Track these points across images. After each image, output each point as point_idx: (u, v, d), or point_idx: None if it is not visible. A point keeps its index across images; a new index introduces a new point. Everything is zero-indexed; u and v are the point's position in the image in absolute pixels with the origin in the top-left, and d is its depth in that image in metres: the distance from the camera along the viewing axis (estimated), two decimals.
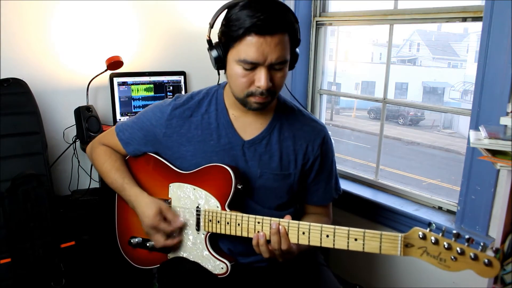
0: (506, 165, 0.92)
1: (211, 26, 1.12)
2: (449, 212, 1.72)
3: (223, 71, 1.13)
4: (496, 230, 1.37)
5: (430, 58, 12.76)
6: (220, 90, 1.21)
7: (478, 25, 1.48)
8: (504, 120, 1.01)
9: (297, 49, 1.13)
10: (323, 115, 2.32)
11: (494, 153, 0.94)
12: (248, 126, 1.18)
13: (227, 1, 1.06)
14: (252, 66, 1.02)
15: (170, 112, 1.20)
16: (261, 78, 1.03)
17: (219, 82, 1.21)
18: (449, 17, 1.66)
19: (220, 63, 1.10)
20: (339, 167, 1.92)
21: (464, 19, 1.62)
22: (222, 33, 1.07)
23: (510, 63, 1.35)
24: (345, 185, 2.02)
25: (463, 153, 1.60)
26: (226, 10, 1.06)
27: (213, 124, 1.18)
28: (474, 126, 1.45)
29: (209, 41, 1.11)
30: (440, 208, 1.76)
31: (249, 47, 1.00)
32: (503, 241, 1.00)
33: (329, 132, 1.27)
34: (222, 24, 1.07)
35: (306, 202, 1.28)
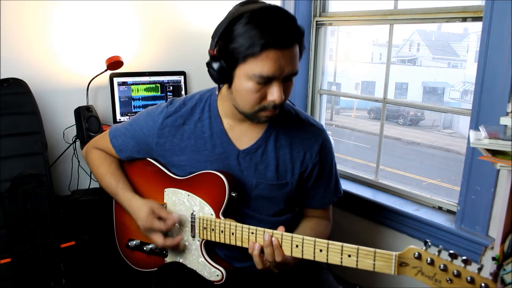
0: (506, 165, 0.92)
1: (217, 42, 1.00)
2: (449, 212, 1.72)
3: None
4: (496, 230, 1.37)
5: (430, 58, 12.77)
6: (214, 97, 1.17)
7: (478, 25, 1.48)
8: (504, 120, 1.00)
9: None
10: (323, 115, 2.32)
11: (494, 153, 0.94)
12: (243, 135, 1.15)
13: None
14: (267, 80, 0.98)
15: (162, 121, 1.17)
16: (275, 93, 0.99)
17: (212, 88, 1.18)
18: (449, 17, 1.66)
19: (225, 77, 1.02)
20: (339, 167, 1.91)
21: (464, 19, 1.61)
22: (230, 49, 0.98)
23: (510, 63, 1.35)
24: (345, 185, 2.02)
25: (463, 153, 1.60)
26: (229, 23, 0.98)
27: (207, 133, 1.15)
28: (474, 126, 1.45)
29: (215, 57, 1.01)
30: (440, 208, 1.76)
31: (266, 62, 0.95)
32: (503, 241, 1.00)
33: (329, 133, 1.25)
34: (227, 38, 0.98)
35: (305, 206, 1.26)
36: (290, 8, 2.15)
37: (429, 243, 0.83)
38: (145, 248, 1.22)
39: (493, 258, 0.99)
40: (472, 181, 1.52)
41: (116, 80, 1.98)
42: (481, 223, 1.51)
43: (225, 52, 0.99)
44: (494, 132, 0.98)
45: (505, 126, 1.00)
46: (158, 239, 1.13)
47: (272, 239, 0.99)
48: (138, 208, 1.16)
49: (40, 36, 1.83)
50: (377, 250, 0.88)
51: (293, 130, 1.17)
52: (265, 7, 0.98)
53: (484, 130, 1.00)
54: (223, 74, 1.01)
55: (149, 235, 1.16)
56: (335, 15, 2.14)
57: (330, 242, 0.93)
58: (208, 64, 1.02)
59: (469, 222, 1.55)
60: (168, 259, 1.21)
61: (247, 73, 0.97)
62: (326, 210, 1.29)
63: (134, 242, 1.25)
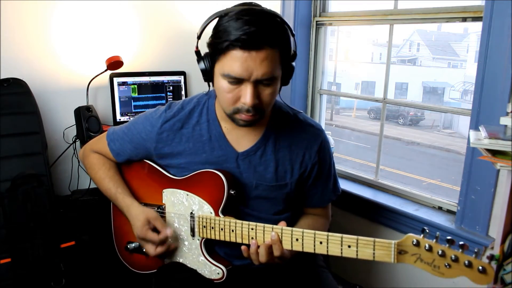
0: (506, 165, 0.92)
1: (198, 38, 1.07)
2: (449, 212, 1.72)
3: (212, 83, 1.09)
4: (496, 230, 1.37)
5: (430, 58, 12.76)
6: (212, 100, 1.18)
7: (478, 25, 1.48)
8: (504, 120, 1.00)
9: (293, 63, 1.08)
10: (323, 115, 2.32)
11: (494, 153, 0.94)
12: (242, 138, 1.15)
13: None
14: (237, 81, 0.98)
15: (160, 126, 1.17)
16: (246, 95, 0.98)
17: (209, 91, 1.17)
18: (449, 17, 1.66)
19: (207, 76, 1.07)
20: (339, 167, 1.91)
21: (464, 19, 1.62)
22: (210, 44, 1.03)
23: (510, 63, 1.35)
24: (345, 185, 2.02)
25: (463, 153, 1.60)
26: (217, 19, 1.01)
27: (205, 136, 1.16)
28: (474, 126, 1.45)
29: (197, 53, 1.07)
30: (440, 208, 1.76)
31: (233, 62, 0.96)
32: (503, 241, 1.00)
33: (328, 133, 1.25)
34: (211, 34, 1.02)
35: (304, 205, 1.27)
36: (290, 8, 2.15)
37: (427, 230, 0.85)
38: (144, 250, 1.22)
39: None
40: (472, 181, 1.52)
41: (116, 80, 1.98)
42: (481, 223, 1.51)
43: (208, 48, 1.03)
44: (494, 132, 0.98)
45: (505, 126, 1.00)
46: (150, 249, 1.14)
47: (272, 234, 1.00)
48: (136, 216, 1.16)
49: (40, 36, 1.83)
50: (377, 239, 0.89)
51: (292, 131, 1.17)
52: (247, 8, 0.97)
53: (484, 130, 1.00)
54: (205, 72, 1.05)
55: (142, 243, 1.17)
56: (335, 15, 2.14)
57: (330, 233, 0.95)
58: (197, 62, 1.07)
59: (469, 222, 1.55)
60: (168, 260, 1.22)
61: (220, 71, 1.00)
62: (325, 209, 1.29)
63: (133, 245, 1.25)
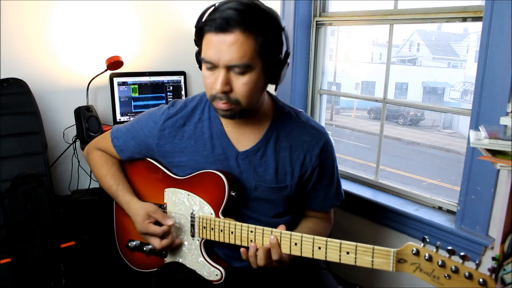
0: (506, 165, 0.92)
1: (196, 27, 1.07)
2: (449, 212, 1.72)
3: None
4: (496, 230, 1.37)
5: (430, 58, 12.75)
6: None
7: (478, 25, 1.48)
8: (504, 120, 1.00)
9: (282, 58, 1.03)
10: (323, 115, 2.32)
11: (494, 153, 0.94)
12: (243, 137, 1.14)
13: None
14: (213, 66, 0.98)
15: (162, 123, 1.18)
16: (216, 80, 0.98)
17: None
18: (449, 17, 1.66)
19: (200, 65, 1.08)
20: (339, 167, 1.91)
21: (464, 19, 1.61)
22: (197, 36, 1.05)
23: (510, 63, 1.35)
24: (345, 185, 2.01)
25: (463, 153, 1.59)
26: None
27: (207, 133, 1.15)
28: (474, 126, 1.45)
29: (196, 41, 1.08)
30: (440, 208, 1.76)
31: (207, 45, 0.98)
32: (503, 241, 1.00)
33: (329, 133, 1.23)
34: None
35: (305, 208, 1.25)
36: (290, 8, 2.15)
37: (427, 239, 0.84)
38: (145, 249, 1.22)
39: (493, 258, 0.99)
40: (472, 181, 1.52)
41: (116, 80, 1.98)
42: (481, 223, 1.51)
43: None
44: (494, 132, 0.98)
45: (505, 126, 1.01)
46: (155, 242, 1.14)
47: (270, 237, 1.00)
48: (135, 211, 1.17)
49: (40, 36, 1.83)
50: (376, 247, 0.88)
51: (294, 132, 1.16)
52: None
53: (484, 130, 1.00)
54: (198, 62, 1.08)
55: (146, 238, 1.17)
56: (335, 15, 2.14)
57: (329, 239, 0.94)
58: (195, 55, 1.10)
59: (469, 222, 1.55)
60: (168, 259, 1.22)
61: (202, 58, 1.02)
62: (327, 212, 1.28)
63: (134, 243, 1.25)
